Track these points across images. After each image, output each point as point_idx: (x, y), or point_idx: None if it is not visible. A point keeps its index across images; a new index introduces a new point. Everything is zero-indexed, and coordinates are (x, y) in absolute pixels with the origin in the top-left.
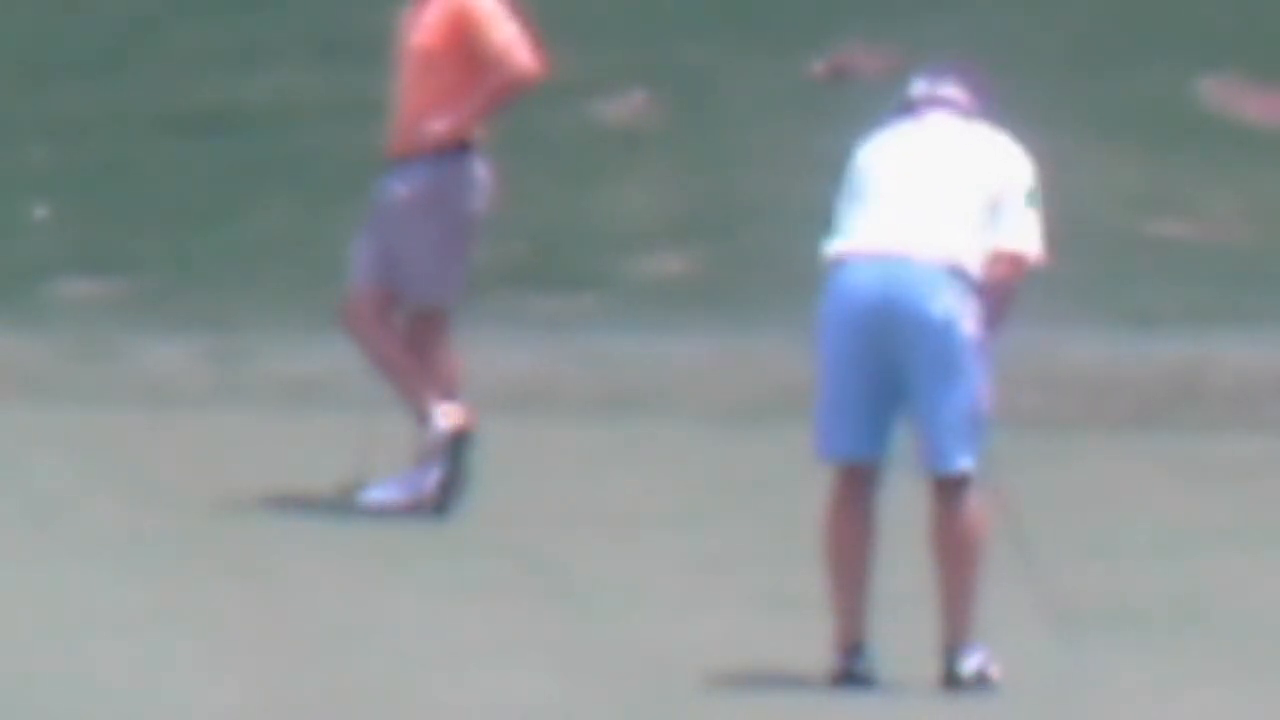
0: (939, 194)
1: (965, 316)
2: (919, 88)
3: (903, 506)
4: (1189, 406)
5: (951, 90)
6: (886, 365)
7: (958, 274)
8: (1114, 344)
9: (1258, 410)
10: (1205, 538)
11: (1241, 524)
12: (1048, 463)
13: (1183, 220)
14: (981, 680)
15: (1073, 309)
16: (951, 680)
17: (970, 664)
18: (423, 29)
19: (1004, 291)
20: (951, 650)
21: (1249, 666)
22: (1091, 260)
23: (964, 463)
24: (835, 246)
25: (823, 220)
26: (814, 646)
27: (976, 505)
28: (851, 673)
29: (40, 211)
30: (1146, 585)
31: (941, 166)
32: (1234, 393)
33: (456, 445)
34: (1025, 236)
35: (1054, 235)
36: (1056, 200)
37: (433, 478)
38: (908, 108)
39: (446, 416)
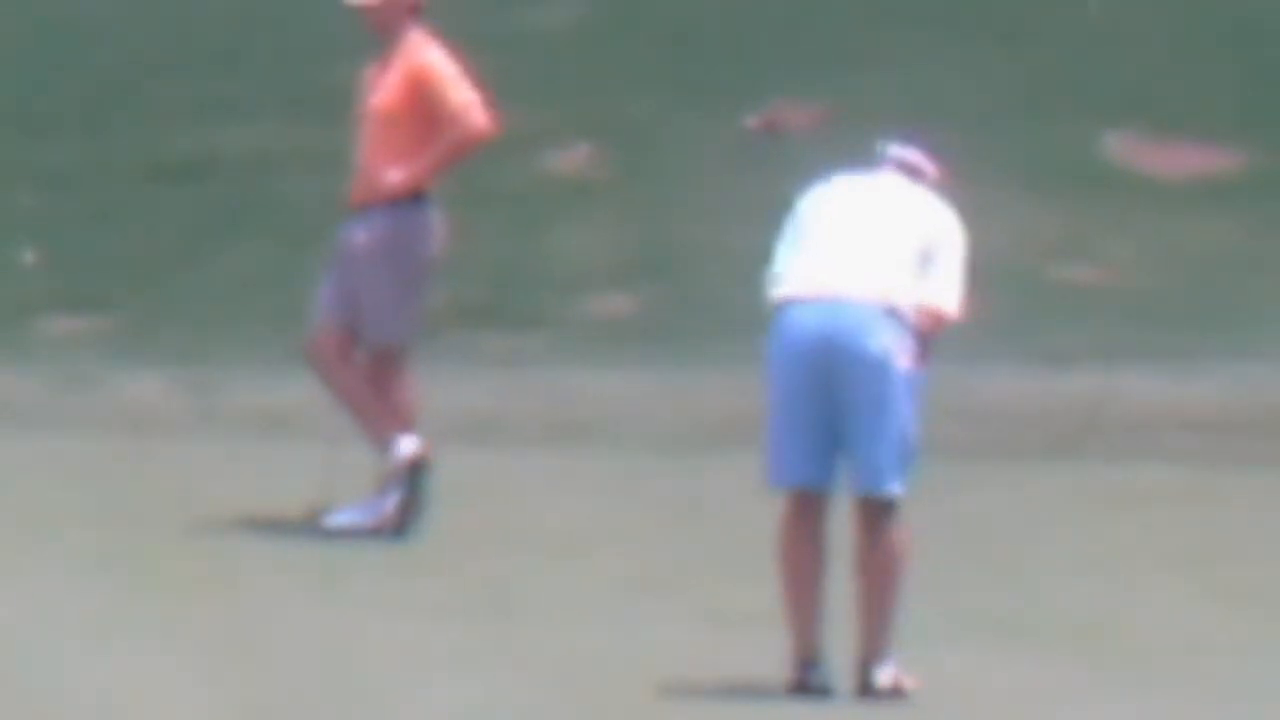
0: (875, 240)
1: (900, 353)
2: (888, 149)
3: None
4: (1094, 438)
5: (912, 155)
6: (828, 398)
7: (893, 314)
8: (1025, 380)
9: (1158, 441)
10: (1110, 559)
11: (1142, 547)
12: (963, 490)
13: (1089, 265)
14: (895, 691)
15: (987, 347)
16: (867, 691)
17: (885, 676)
18: (384, 90)
19: (922, 341)
20: (868, 662)
21: (1147, 679)
22: (1005, 302)
23: (895, 488)
24: (780, 290)
25: (757, 264)
26: (755, 658)
27: (902, 528)
28: (807, 684)
29: (29, 255)
30: (1054, 603)
31: (879, 215)
32: (1136, 425)
33: (415, 473)
34: (947, 295)
35: (971, 279)
36: (973, 246)
37: (393, 503)
38: (875, 164)
39: (405, 446)
